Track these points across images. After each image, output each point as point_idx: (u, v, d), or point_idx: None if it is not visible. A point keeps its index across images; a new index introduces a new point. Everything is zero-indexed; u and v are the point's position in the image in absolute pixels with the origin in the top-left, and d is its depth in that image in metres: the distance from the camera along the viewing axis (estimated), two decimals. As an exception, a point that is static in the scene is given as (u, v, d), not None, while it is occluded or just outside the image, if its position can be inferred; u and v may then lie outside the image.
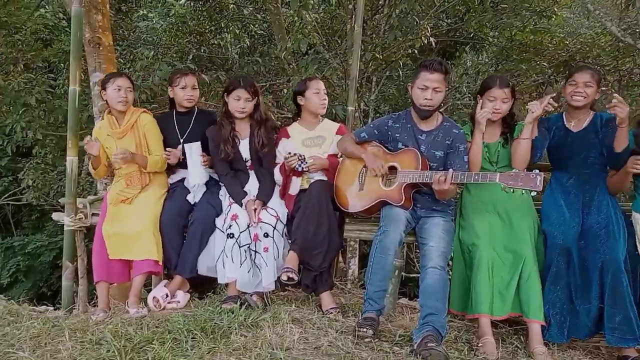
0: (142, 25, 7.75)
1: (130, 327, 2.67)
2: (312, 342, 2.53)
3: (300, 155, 3.21)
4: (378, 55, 5.92)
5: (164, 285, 3.22)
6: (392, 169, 2.99)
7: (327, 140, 3.36)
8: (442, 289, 2.66)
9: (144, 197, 3.27)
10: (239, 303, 2.92)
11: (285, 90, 6.62)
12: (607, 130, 2.87)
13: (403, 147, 2.99)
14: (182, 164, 3.35)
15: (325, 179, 3.25)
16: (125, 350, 2.41)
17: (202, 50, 7.35)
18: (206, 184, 3.38)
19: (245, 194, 3.20)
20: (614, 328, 2.67)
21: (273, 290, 3.18)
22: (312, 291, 3.16)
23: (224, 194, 3.30)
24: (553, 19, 6.95)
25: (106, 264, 3.16)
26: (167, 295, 3.14)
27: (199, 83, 3.59)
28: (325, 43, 6.33)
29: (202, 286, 3.56)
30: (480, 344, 2.68)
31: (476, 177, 2.72)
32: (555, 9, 6.74)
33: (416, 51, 6.13)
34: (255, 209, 3.10)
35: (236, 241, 3.07)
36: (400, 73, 6.86)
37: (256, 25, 7.83)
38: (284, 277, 2.92)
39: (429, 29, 5.85)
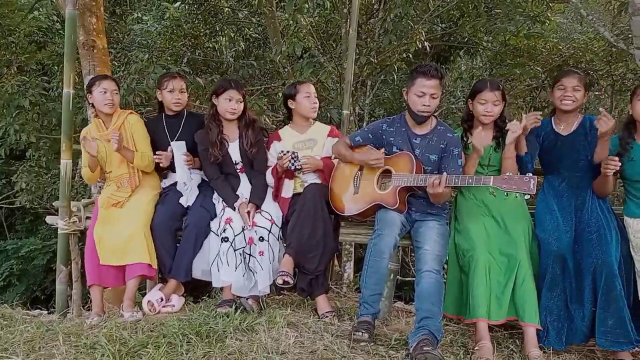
0: (136, 28, 7.74)
1: (124, 331, 2.66)
2: (308, 346, 2.53)
3: (293, 153, 3.21)
4: (373, 59, 5.94)
5: (159, 289, 3.21)
6: (387, 173, 2.99)
7: (318, 143, 3.37)
8: (437, 293, 2.67)
9: (135, 200, 3.26)
10: (234, 307, 2.92)
11: (280, 94, 6.62)
12: (594, 133, 2.90)
13: (397, 150, 2.99)
14: (174, 167, 3.34)
15: (320, 181, 3.26)
16: (120, 355, 2.40)
17: (196, 54, 7.35)
18: (199, 187, 3.37)
19: (237, 197, 3.20)
20: (607, 332, 2.68)
21: (268, 294, 3.18)
22: (308, 295, 3.16)
23: (217, 198, 3.29)
24: (547, 24, 7.01)
25: (98, 268, 3.14)
26: (161, 299, 3.13)
27: (188, 87, 3.58)
28: (320, 47, 6.35)
29: (197, 290, 3.55)
30: (476, 348, 2.68)
31: (470, 180, 2.73)
32: (549, 14, 6.80)
33: (411, 55, 6.16)
34: (248, 212, 3.09)
35: (231, 245, 3.06)
36: (395, 77, 6.89)
37: (251, 29, 7.84)
38: (279, 281, 2.92)
39: (423, 34, 5.88)
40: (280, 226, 3.18)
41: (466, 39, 7.34)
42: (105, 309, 3.25)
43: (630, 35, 4.06)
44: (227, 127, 3.30)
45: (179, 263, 3.16)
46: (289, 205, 3.22)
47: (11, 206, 8.07)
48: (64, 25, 3.51)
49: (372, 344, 2.61)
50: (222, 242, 3.10)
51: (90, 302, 3.30)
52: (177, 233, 3.25)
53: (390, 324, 3.08)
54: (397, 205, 2.88)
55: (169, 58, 6.74)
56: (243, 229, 3.10)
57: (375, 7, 6.33)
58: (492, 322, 2.75)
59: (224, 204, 3.21)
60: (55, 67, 7.47)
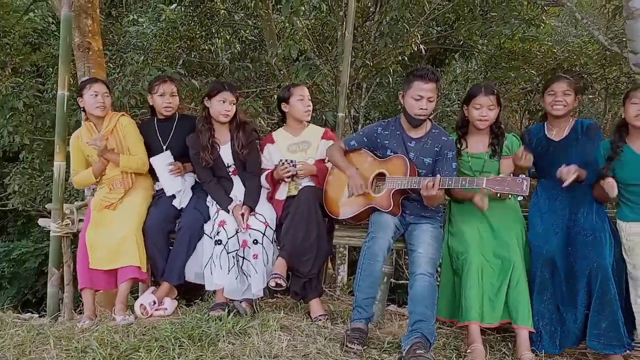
0: (132, 30, 7.72)
1: (116, 335, 2.65)
2: (301, 350, 2.52)
3: (290, 162, 3.20)
4: (368, 62, 5.94)
5: (152, 292, 3.20)
6: (381, 176, 2.99)
7: (312, 146, 3.36)
8: (430, 296, 2.67)
9: (128, 202, 3.24)
10: (227, 310, 2.90)
11: (275, 97, 6.62)
12: (585, 138, 2.90)
13: (392, 154, 2.99)
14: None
15: (313, 184, 3.25)
16: (112, 358, 2.39)
17: (192, 56, 7.33)
18: (193, 189, 3.36)
19: (231, 200, 3.19)
20: (600, 334, 2.68)
21: (262, 297, 3.17)
22: (301, 298, 3.15)
23: (211, 200, 3.28)
24: (541, 28, 7.03)
25: (90, 271, 3.12)
26: (154, 302, 3.11)
27: (179, 90, 3.57)
28: (316, 49, 6.35)
29: (190, 293, 3.54)
30: (469, 351, 2.68)
31: (463, 182, 2.72)
32: (544, 17, 6.82)
33: (406, 58, 6.17)
34: (242, 215, 3.08)
35: (224, 247, 3.05)
36: (391, 80, 6.89)
37: (247, 31, 7.84)
38: (272, 284, 2.91)
39: (419, 37, 5.89)
40: (274, 229, 3.17)
41: (461, 42, 7.35)
42: (96, 313, 3.23)
43: (624, 39, 4.07)
44: (219, 130, 3.28)
45: (172, 266, 3.15)
46: (283, 207, 3.21)
47: (3, 208, 8.03)
48: (59, 27, 3.50)
49: (365, 347, 2.60)
50: (215, 244, 3.08)
51: (82, 305, 3.29)
52: (170, 235, 3.23)
53: (383, 327, 3.08)
54: (391, 208, 2.88)
55: (165, 60, 6.72)
56: (236, 232, 3.09)
57: (371, 10, 6.34)
58: (485, 325, 2.75)
59: (217, 207, 3.20)
60: (50, 69, 7.44)
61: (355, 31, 5.29)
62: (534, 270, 2.82)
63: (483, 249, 2.82)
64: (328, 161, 3.28)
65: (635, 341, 2.79)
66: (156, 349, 2.45)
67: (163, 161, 3.28)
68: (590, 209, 2.89)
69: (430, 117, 3.08)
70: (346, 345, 2.57)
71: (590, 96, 8.02)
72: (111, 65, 6.55)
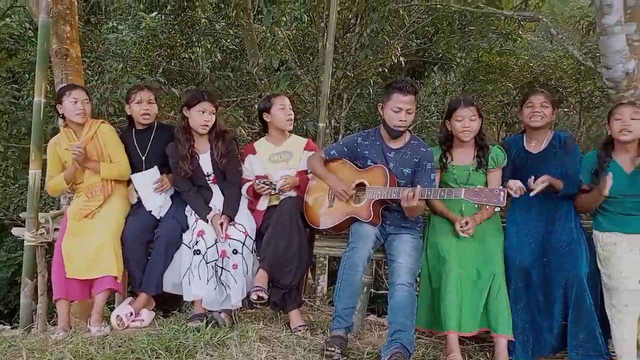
0: (111, 38, 7.65)
1: (91, 347, 2.60)
2: (280, 361, 2.50)
3: (271, 184, 3.17)
4: (349, 73, 6.00)
5: (129, 303, 3.14)
6: (361, 186, 3.00)
7: (294, 156, 3.35)
8: (410, 306, 2.68)
9: (105, 210, 3.19)
10: (205, 321, 2.87)
11: (256, 106, 6.62)
12: (563, 151, 2.96)
13: (372, 164, 3.01)
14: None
15: (295, 194, 3.25)
16: (86, 371, 2.33)
17: (172, 64, 7.30)
18: (172, 197, 3.32)
19: (210, 209, 3.16)
20: (578, 345, 2.72)
21: (240, 308, 3.14)
22: (281, 309, 3.13)
23: (190, 210, 3.24)
24: (518, 42, 7.19)
25: (66, 281, 3.05)
26: (131, 314, 3.06)
27: (167, 96, 3.54)
28: (297, 59, 6.39)
29: (168, 304, 3.49)
30: (447, 361, 2.69)
31: (442, 193, 2.76)
32: (520, 32, 6.98)
33: (386, 70, 6.24)
34: (221, 224, 3.06)
35: (203, 257, 3.02)
36: (371, 91, 6.96)
37: (228, 40, 7.84)
38: (253, 297, 2.88)
39: (399, 49, 5.97)
40: (254, 239, 3.15)
41: (440, 55, 7.48)
42: (71, 324, 3.16)
43: (597, 54, 4.19)
44: (198, 139, 3.25)
45: (149, 276, 3.10)
46: (264, 218, 3.20)
47: (-24, 217, 7.83)
48: (37, 33, 3.45)
49: (345, 358, 2.60)
50: (194, 254, 3.05)
51: (56, 316, 3.20)
52: (148, 245, 3.18)
53: (363, 337, 3.08)
54: (371, 219, 2.89)
55: (144, 68, 6.69)
56: (215, 242, 3.06)
57: (352, 22, 6.41)
58: (463, 334, 2.77)
59: (196, 216, 3.17)
60: (26, 75, 7.32)
61: (336, 42, 5.34)
62: (509, 280, 2.86)
63: (463, 259, 2.85)
64: (309, 172, 3.28)
65: (611, 350, 2.84)
66: (132, 361, 2.41)
67: (149, 178, 3.24)
68: (566, 220, 2.94)
69: (410, 129, 3.11)
70: (327, 350, 2.57)
71: (566, 109, 8.21)
72: (89, 73, 6.48)
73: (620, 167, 2.78)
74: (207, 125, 3.18)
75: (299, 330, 2.96)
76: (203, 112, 3.16)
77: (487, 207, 2.85)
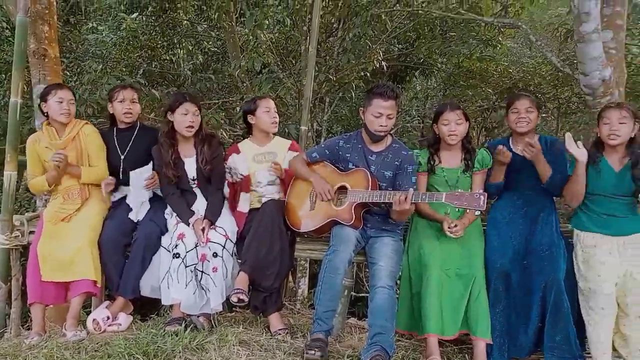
0: (91, 38, 7.54)
1: (67, 352, 2.55)
2: (259, 365, 2.48)
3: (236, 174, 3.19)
4: (331, 77, 6.01)
5: (106, 307, 3.09)
6: (343, 189, 3.01)
7: (278, 157, 3.35)
8: (390, 309, 2.69)
9: (83, 213, 3.14)
10: (184, 325, 2.84)
11: (238, 108, 6.59)
12: (549, 154, 2.99)
13: (353, 167, 3.02)
14: (124, 181, 3.25)
15: (278, 197, 3.24)
16: (60, 376, 2.28)
17: (153, 66, 7.22)
18: (151, 201, 3.28)
19: (192, 213, 3.13)
20: (554, 347, 2.76)
21: (220, 312, 3.11)
22: (261, 312, 3.11)
23: (170, 212, 3.21)
24: (498, 48, 7.30)
25: (41, 284, 3.00)
26: (108, 318, 3.01)
27: (147, 98, 3.51)
28: (279, 63, 6.38)
29: (145, 308, 3.43)
30: (426, 363, 2.70)
31: (423, 197, 2.78)
32: (500, 38, 7.09)
33: (368, 74, 6.26)
34: (203, 229, 3.03)
35: (182, 261, 2.99)
36: (353, 95, 6.98)
37: (210, 43, 7.79)
38: (234, 299, 2.86)
39: (380, 54, 6.01)
40: (234, 242, 3.13)
41: (421, 60, 7.54)
42: (46, 328, 3.10)
43: (575, 61, 4.26)
44: (183, 144, 3.23)
45: (127, 279, 3.06)
46: (246, 221, 3.18)
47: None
48: (14, 33, 3.38)
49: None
50: (173, 258, 3.01)
51: (30, 321, 3.14)
52: (126, 249, 3.14)
53: (343, 340, 3.07)
54: (352, 222, 2.90)
55: (124, 69, 6.60)
56: (196, 245, 3.03)
57: (334, 26, 6.42)
58: (443, 337, 2.78)
59: (177, 219, 3.13)
60: (3, 75, 7.16)
61: (318, 46, 5.35)
62: (488, 283, 2.88)
63: (444, 262, 2.86)
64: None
65: (586, 352, 2.89)
66: (109, 365, 2.37)
67: (144, 173, 3.21)
68: (547, 224, 2.98)
69: (391, 132, 3.12)
70: (307, 353, 2.56)
71: (544, 115, 8.34)
72: (68, 74, 6.37)
73: (609, 166, 2.81)
74: (192, 127, 3.16)
75: (279, 334, 2.94)
76: (186, 114, 3.14)
77: (468, 210, 2.89)
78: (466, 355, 2.92)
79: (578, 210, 2.94)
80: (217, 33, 7.54)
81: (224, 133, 5.82)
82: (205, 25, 7.61)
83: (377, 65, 6.00)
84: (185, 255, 2.99)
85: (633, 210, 2.79)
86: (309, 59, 4.06)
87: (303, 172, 3.13)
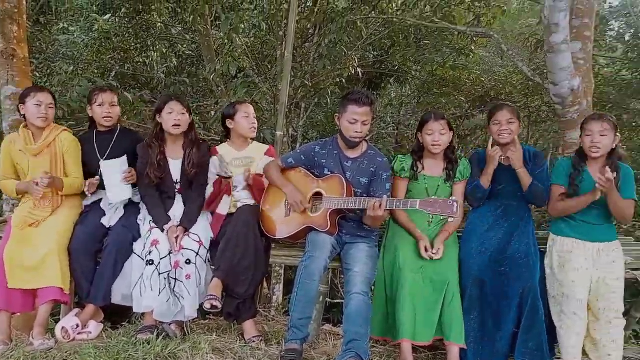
0: (61, 39, 7.39)
1: (33, 361, 2.47)
2: (233, 373, 2.45)
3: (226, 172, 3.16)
4: (307, 83, 6.02)
5: (75, 315, 3.01)
6: (318, 195, 3.01)
7: (255, 161, 3.33)
8: (365, 315, 2.69)
9: (53, 219, 3.06)
10: (156, 333, 2.79)
11: (212, 112, 6.54)
12: (532, 165, 3.05)
13: (329, 173, 3.02)
14: (100, 184, 3.18)
15: (253, 202, 3.22)
16: (27, 387, 2.21)
17: (126, 68, 7.12)
18: (125, 206, 3.22)
19: (169, 218, 3.09)
20: (526, 352, 2.81)
21: (193, 319, 3.06)
22: (235, 320, 3.07)
23: (143, 218, 3.16)
24: (470, 57, 7.44)
25: (7, 291, 2.90)
26: (77, 326, 2.93)
27: (120, 101, 3.45)
28: (255, 67, 6.36)
29: (117, 315, 3.36)
30: (401, 369, 2.71)
31: (398, 203, 2.80)
32: (473, 47, 7.22)
33: (344, 80, 6.30)
34: (177, 237, 2.99)
35: (156, 268, 2.93)
36: (329, 101, 7.01)
37: (184, 46, 7.72)
38: (207, 305, 2.82)
39: (356, 60, 6.05)
40: (208, 248, 3.09)
41: (396, 68, 7.63)
42: (12, 337, 2.99)
43: (545, 71, 4.38)
44: (171, 145, 3.20)
45: (98, 286, 2.98)
46: (221, 226, 3.15)
47: None
48: (-19, 32, 3.29)
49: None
50: (146, 265, 2.96)
51: (-4, 329, 3.03)
52: (97, 255, 3.07)
53: (318, 347, 3.06)
54: (328, 228, 2.89)
55: (96, 71, 6.49)
56: (169, 253, 2.98)
57: (310, 32, 6.45)
58: (418, 343, 2.80)
59: (151, 225, 3.08)
60: (-32, 75, 6.94)
61: (294, 52, 5.36)
62: (464, 287, 2.92)
63: (418, 268, 2.89)
64: (264, 178, 3.25)
65: (556, 357, 2.95)
66: (78, 375, 2.31)
67: (118, 166, 3.12)
68: (524, 231, 3.03)
69: (367, 139, 3.14)
70: None
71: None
72: (37, 75, 6.23)
73: (590, 176, 2.85)
74: (178, 125, 3.13)
75: (254, 341, 2.92)
76: (171, 112, 3.12)
77: (442, 217, 2.92)
78: (440, 360, 2.95)
79: (557, 217, 2.99)
80: (192, 36, 7.49)
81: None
82: (180, 28, 7.54)
83: (353, 72, 6.04)
84: (159, 262, 2.94)
85: (609, 219, 2.85)
86: (284, 64, 4.06)
87: (277, 181, 3.12)
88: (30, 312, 3.07)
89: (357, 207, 2.83)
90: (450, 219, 2.79)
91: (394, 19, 6.68)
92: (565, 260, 2.82)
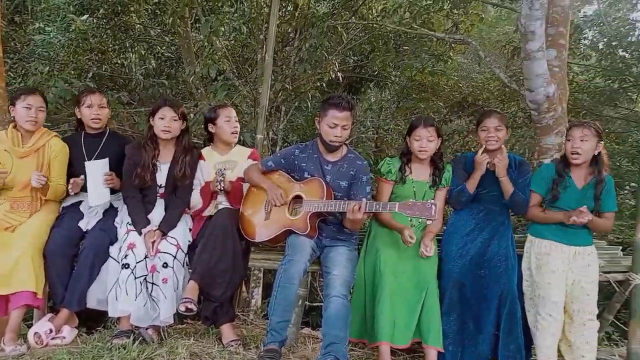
0: (37, 39, 7.24)
1: (5, 367, 2.41)
2: (211, 377, 2.43)
3: (222, 173, 3.15)
4: (288, 86, 6.02)
5: (48, 320, 2.94)
6: (298, 198, 3.00)
7: (238, 165, 3.32)
8: (344, 318, 2.69)
9: (29, 223, 3.00)
10: (132, 338, 2.74)
11: (192, 115, 6.49)
12: (517, 172, 3.09)
13: (309, 176, 3.02)
14: (83, 185, 3.13)
15: (229, 205, 3.20)
16: (-3, 394, 2.16)
17: (103, 69, 7.02)
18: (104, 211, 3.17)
19: (148, 222, 3.05)
20: (509, 356, 2.85)
21: (171, 324, 3.02)
22: (212, 323, 3.05)
23: (120, 221, 3.11)
24: (449, 63, 7.53)
25: (-22, 297, 2.83)
26: (50, 331, 2.87)
27: (108, 102, 3.41)
28: (235, 70, 6.33)
29: (92, 320, 3.30)
30: (379, 372, 2.72)
31: (377, 206, 2.81)
32: (451, 54, 7.32)
33: (324, 84, 6.31)
34: (153, 242, 2.95)
35: (132, 272, 2.89)
36: (309, 104, 7.02)
37: (163, 48, 7.65)
38: (181, 308, 2.79)
39: (336, 64, 6.07)
40: (186, 252, 3.06)
41: (376, 72, 7.68)
42: (-17, 343, 2.92)
43: (521, 78, 4.46)
44: (163, 149, 3.18)
45: (72, 291, 2.92)
46: (200, 228, 3.12)
47: None
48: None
49: (279, 371, 2.57)
50: (122, 268, 2.91)
51: (-34, 335, 2.95)
52: (73, 259, 3.01)
53: (296, 350, 3.05)
54: (308, 231, 2.89)
55: (73, 72, 6.38)
56: (146, 256, 2.94)
57: (291, 35, 6.45)
58: (397, 346, 2.82)
59: (128, 227, 3.03)
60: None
61: (275, 55, 5.35)
62: (443, 290, 2.95)
63: (399, 271, 2.91)
64: (245, 182, 3.24)
65: (532, 358, 2.99)
66: (51, 381, 2.26)
67: (100, 167, 3.08)
68: (504, 235, 3.07)
69: (347, 143, 3.15)
70: None
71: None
72: (12, 75, 6.10)
73: (572, 182, 2.90)
74: (168, 131, 3.12)
75: (232, 345, 2.90)
76: (163, 118, 3.11)
77: (420, 220, 2.94)
78: (418, 363, 2.96)
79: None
80: (172, 38, 7.42)
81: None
82: (159, 30, 7.47)
83: (333, 76, 6.06)
84: (135, 266, 2.90)
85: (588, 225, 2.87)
86: (265, 67, 4.05)
87: (256, 179, 3.11)
88: (2, 317, 3.00)
89: (336, 210, 2.84)
90: (428, 222, 2.82)
91: (374, 25, 6.73)
92: (543, 262, 2.86)
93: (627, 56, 6.81)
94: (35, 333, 2.82)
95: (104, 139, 3.28)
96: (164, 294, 2.90)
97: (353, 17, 6.70)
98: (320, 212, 2.92)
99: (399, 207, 2.70)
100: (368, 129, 8.42)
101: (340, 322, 2.66)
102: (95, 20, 7.03)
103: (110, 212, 3.18)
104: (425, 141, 3.08)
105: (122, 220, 3.11)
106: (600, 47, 7.29)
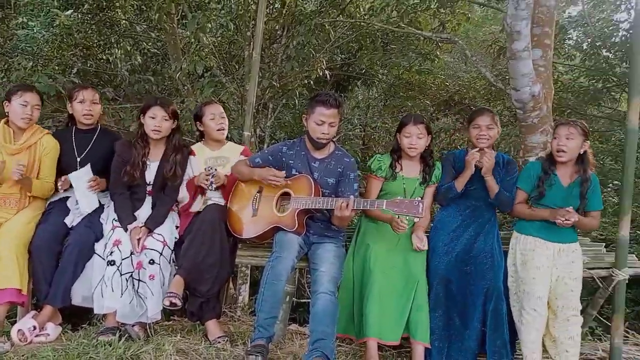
0: (20, 34, 7.14)
1: (-13, 365, 2.38)
2: (198, 374, 2.42)
3: (213, 170, 3.12)
4: (275, 83, 6.00)
5: (32, 317, 2.91)
6: (286, 195, 3.00)
7: (230, 161, 3.31)
8: (331, 314, 2.70)
9: (14, 219, 2.98)
10: (118, 334, 2.72)
11: (179, 111, 6.44)
12: (504, 172, 3.12)
13: (297, 173, 3.02)
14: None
15: (221, 201, 3.19)
16: (-20, 392, 2.13)
17: (88, 65, 6.93)
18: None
19: (134, 218, 3.03)
20: (495, 351, 2.88)
21: (157, 321, 3.01)
22: (198, 319, 3.04)
23: (105, 217, 3.09)
24: (436, 62, 7.57)
25: (-39, 293, 2.79)
26: (34, 328, 2.84)
27: (100, 98, 3.39)
28: (222, 67, 6.30)
29: (77, 317, 3.27)
30: (366, 368, 2.73)
31: (365, 204, 2.83)
32: (438, 52, 7.35)
33: (312, 82, 6.31)
34: (139, 240, 2.93)
35: (117, 269, 2.87)
36: (297, 102, 7.01)
37: (149, 44, 7.58)
38: (166, 303, 2.78)
39: (324, 62, 6.07)
40: (172, 249, 3.04)
41: (363, 71, 7.70)
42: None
43: (507, 77, 4.50)
44: (153, 148, 3.16)
45: (57, 287, 2.89)
46: (187, 225, 3.10)
47: None
48: None
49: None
50: (107, 265, 2.89)
51: (-51, 333, 2.90)
52: (58, 256, 2.98)
53: (284, 347, 3.06)
54: (295, 228, 2.90)
55: (57, 67, 6.29)
56: (132, 253, 2.92)
57: (278, 33, 6.44)
58: (386, 342, 2.83)
59: (114, 224, 3.01)
60: None
61: (262, 52, 5.34)
62: (429, 287, 2.97)
63: (389, 265, 2.92)
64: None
65: (516, 353, 3.03)
66: (35, 379, 2.23)
67: (82, 176, 3.06)
68: (489, 232, 3.10)
69: (334, 140, 3.16)
70: (247, 358, 2.53)
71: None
72: (-6, 70, 6.01)
73: (558, 180, 2.93)
74: (158, 131, 3.10)
75: (219, 342, 2.89)
76: (153, 118, 3.09)
77: (407, 217, 2.96)
78: (404, 359, 2.98)
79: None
80: (158, 34, 7.35)
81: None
82: (145, 26, 7.39)
83: (321, 74, 6.06)
84: (121, 263, 2.88)
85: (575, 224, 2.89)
86: (252, 64, 4.03)
87: (247, 173, 3.11)
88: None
89: (324, 207, 2.85)
90: (416, 219, 2.84)
91: (362, 23, 6.74)
92: (528, 258, 2.90)
93: (610, 56, 6.90)
94: (19, 330, 2.79)
95: (95, 136, 3.26)
96: (151, 291, 2.89)
97: (341, 15, 6.70)
98: (308, 209, 2.93)
99: (387, 205, 2.72)
100: (355, 126, 8.44)
101: (327, 318, 2.67)
102: (79, 16, 6.94)
103: (97, 208, 3.15)
104: (415, 138, 3.09)
105: (108, 216, 3.09)
106: (585, 47, 7.38)
